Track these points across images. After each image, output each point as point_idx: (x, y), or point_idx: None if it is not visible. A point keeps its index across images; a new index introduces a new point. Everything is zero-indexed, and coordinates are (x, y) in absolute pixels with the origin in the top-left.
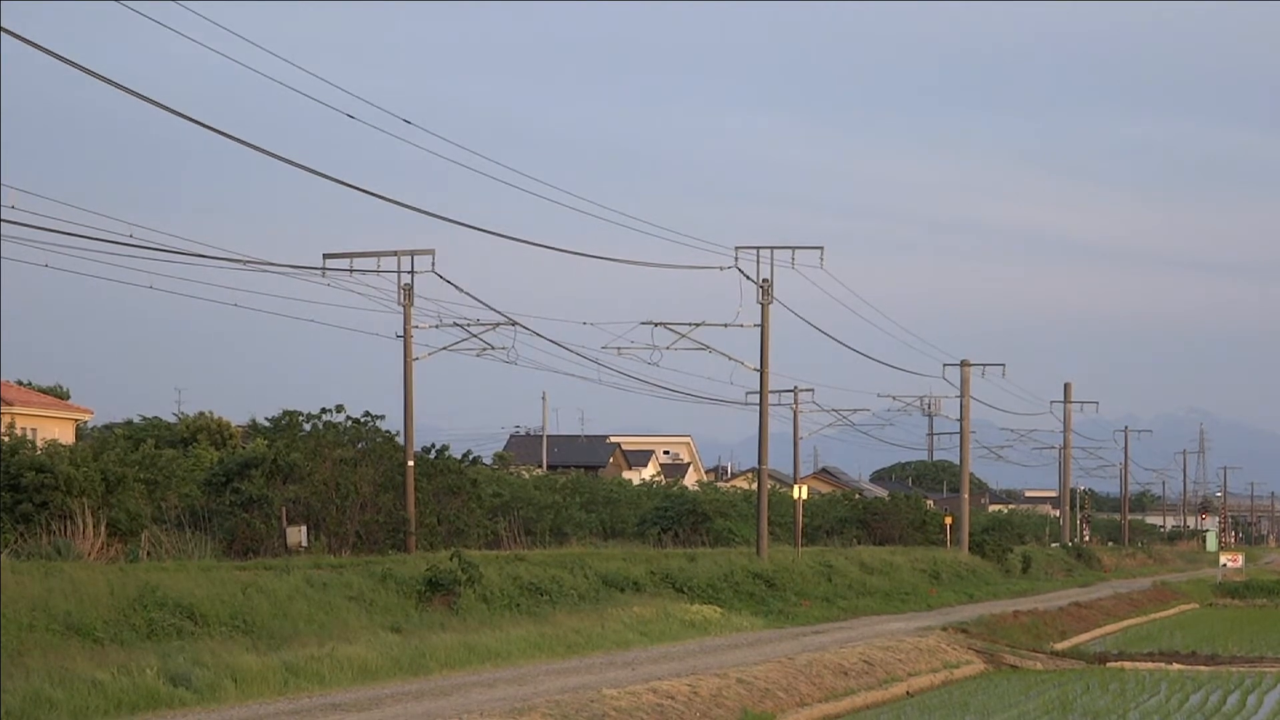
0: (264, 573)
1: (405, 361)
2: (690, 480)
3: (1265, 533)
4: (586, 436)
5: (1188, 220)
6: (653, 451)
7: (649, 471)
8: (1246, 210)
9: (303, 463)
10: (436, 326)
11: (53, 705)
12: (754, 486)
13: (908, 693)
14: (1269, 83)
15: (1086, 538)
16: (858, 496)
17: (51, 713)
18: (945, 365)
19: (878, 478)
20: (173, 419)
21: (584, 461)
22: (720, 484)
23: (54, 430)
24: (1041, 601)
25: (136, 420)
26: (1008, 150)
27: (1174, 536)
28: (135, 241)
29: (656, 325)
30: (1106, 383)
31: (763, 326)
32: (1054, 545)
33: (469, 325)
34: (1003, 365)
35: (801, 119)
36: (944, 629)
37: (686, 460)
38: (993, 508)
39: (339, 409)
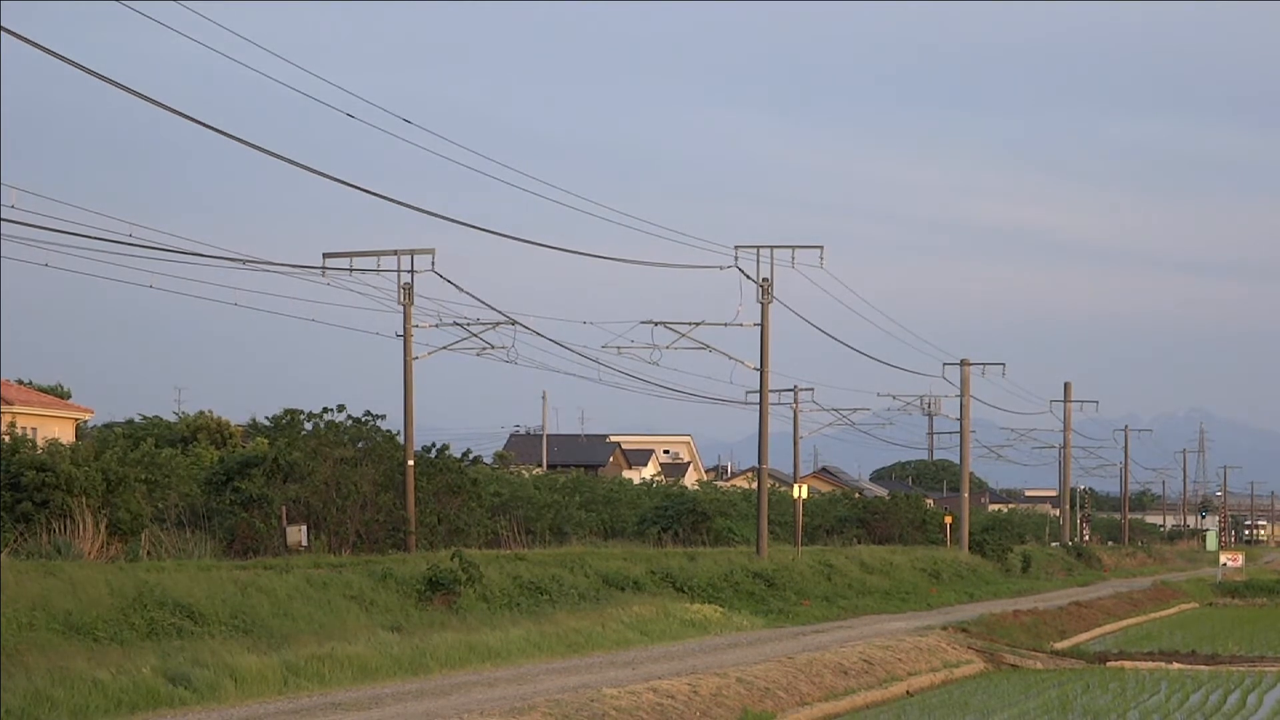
0: (264, 572)
1: (405, 361)
2: (690, 479)
3: (1264, 537)
4: (586, 436)
5: (1188, 220)
6: (653, 451)
7: (649, 471)
8: (1245, 210)
9: (303, 462)
10: (436, 326)
11: (53, 704)
12: (754, 486)
13: (908, 692)
14: (1271, 82)
15: (1086, 537)
16: (858, 496)
17: (51, 712)
18: (945, 364)
19: (878, 477)
20: (173, 418)
21: (584, 461)
22: (720, 483)
23: (54, 430)
24: (1041, 601)
25: (137, 419)
26: (1008, 151)
27: (1174, 536)
28: (135, 241)
29: (657, 325)
30: (1106, 382)
31: (763, 326)
32: (1054, 544)
33: (469, 324)
34: (1003, 365)
35: (801, 119)
36: (944, 628)
37: (686, 459)
38: (993, 507)
39: (340, 408)
